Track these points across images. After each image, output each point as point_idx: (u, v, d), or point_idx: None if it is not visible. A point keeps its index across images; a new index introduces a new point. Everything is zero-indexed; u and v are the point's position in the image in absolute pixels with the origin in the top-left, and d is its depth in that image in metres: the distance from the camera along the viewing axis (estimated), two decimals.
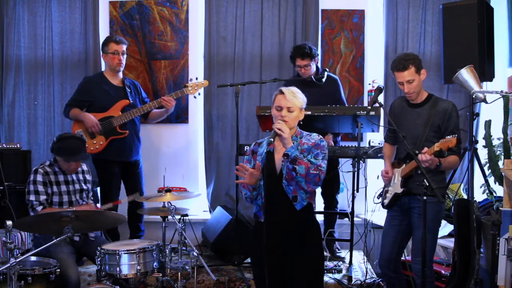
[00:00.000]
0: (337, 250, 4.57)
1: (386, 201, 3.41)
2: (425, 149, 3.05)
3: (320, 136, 2.84)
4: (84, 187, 3.78)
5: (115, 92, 4.45)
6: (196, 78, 4.53)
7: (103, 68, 4.96)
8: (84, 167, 3.84)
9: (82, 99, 4.44)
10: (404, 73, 3.22)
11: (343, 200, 4.77)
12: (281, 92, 2.80)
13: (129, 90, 4.51)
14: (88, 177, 3.85)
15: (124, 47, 4.49)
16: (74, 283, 3.24)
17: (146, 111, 4.46)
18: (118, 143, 4.41)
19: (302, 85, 4.27)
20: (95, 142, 4.36)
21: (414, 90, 3.26)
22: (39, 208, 3.50)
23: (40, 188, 3.53)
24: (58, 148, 3.59)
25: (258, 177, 2.77)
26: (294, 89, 2.85)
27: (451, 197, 4.33)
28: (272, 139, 2.72)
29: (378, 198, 3.52)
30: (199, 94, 4.52)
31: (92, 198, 3.94)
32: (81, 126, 4.36)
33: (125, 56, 4.50)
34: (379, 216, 4.23)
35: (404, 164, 3.29)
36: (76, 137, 3.73)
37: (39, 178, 3.55)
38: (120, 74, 4.55)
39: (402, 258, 3.52)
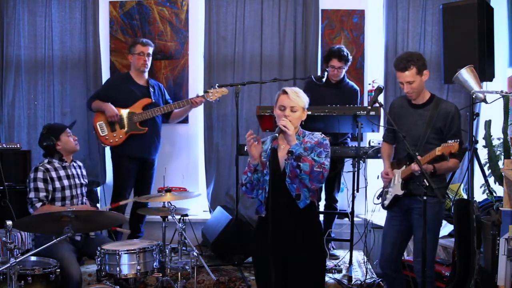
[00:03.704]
0: (332, 248, 4.58)
1: (386, 202, 3.40)
2: (419, 157, 3.04)
3: (323, 135, 2.85)
4: (83, 181, 3.81)
5: (139, 91, 4.57)
6: (217, 86, 4.55)
7: (103, 69, 5.06)
8: (79, 163, 3.88)
9: (106, 94, 4.56)
10: (404, 73, 3.20)
11: (343, 200, 4.77)
12: (285, 92, 2.81)
13: (153, 90, 4.62)
14: (84, 172, 3.89)
15: (150, 49, 4.61)
16: (76, 281, 3.24)
17: (167, 111, 4.57)
18: (137, 139, 4.51)
19: (324, 85, 4.33)
20: (115, 135, 4.47)
21: (414, 91, 3.25)
22: (38, 205, 3.51)
23: (40, 185, 3.54)
24: (55, 128, 3.73)
25: (261, 151, 2.80)
26: (297, 89, 2.87)
27: (451, 197, 4.33)
28: (277, 134, 2.74)
29: (378, 198, 3.52)
30: (218, 100, 4.56)
31: (86, 195, 3.94)
32: (102, 119, 4.48)
33: (150, 57, 4.62)
34: (379, 216, 4.23)
35: (404, 166, 3.29)
36: None
37: (40, 175, 3.56)
38: (145, 75, 4.66)
39: (402, 258, 3.53)
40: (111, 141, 4.47)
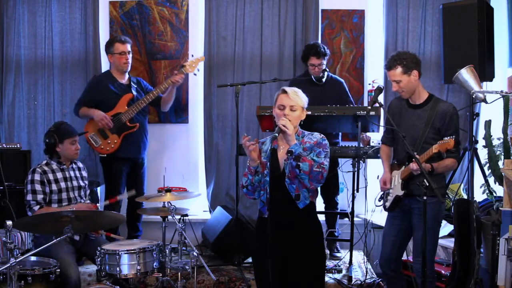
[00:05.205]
0: (335, 250, 4.58)
1: (387, 204, 3.41)
2: (416, 156, 3.05)
3: (322, 135, 2.86)
4: (82, 184, 3.79)
5: (121, 90, 4.49)
6: (192, 55, 4.52)
7: (103, 68, 4.99)
8: (80, 164, 3.87)
9: (91, 98, 4.49)
10: (390, 72, 3.26)
11: (343, 200, 4.78)
12: (284, 92, 2.82)
13: (135, 86, 4.55)
14: (85, 173, 3.86)
15: (129, 46, 4.53)
16: (74, 283, 3.24)
17: (150, 100, 4.45)
18: (127, 139, 4.44)
19: (308, 84, 4.33)
20: (109, 141, 4.40)
21: (403, 90, 3.26)
22: (36, 208, 3.50)
23: (38, 187, 3.53)
24: (64, 130, 3.65)
25: (259, 153, 2.80)
26: (296, 89, 2.87)
27: (451, 197, 4.33)
28: (276, 134, 2.74)
29: (379, 201, 3.52)
30: (198, 70, 4.50)
31: (89, 197, 3.94)
32: (94, 129, 4.41)
33: (131, 55, 4.55)
34: (379, 216, 4.23)
35: (404, 166, 3.29)
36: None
37: (37, 177, 3.55)
38: (127, 74, 4.59)
39: (403, 258, 3.53)
40: (108, 148, 4.40)
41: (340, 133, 4.69)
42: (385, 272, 3.45)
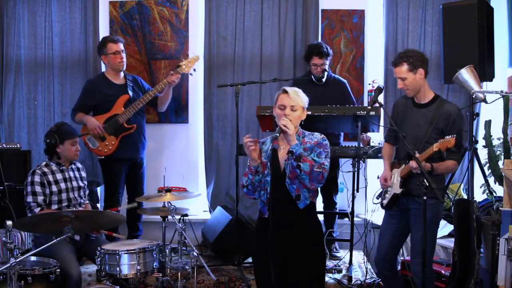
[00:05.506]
0: (334, 249, 4.58)
1: (385, 202, 3.41)
2: (417, 154, 3.05)
3: (323, 135, 2.86)
4: (81, 184, 3.78)
5: (118, 91, 4.47)
6: (188, 55, 4.50)
7: (103, 69, 4.93)
8: (79, 165, 3.86)
9: (86, 103, 4.49)
10: (395, 69, 3.26)
11: (343, 200, 4.78)
12: (285, 91, 2.82)
13: (131, 85, 4.53)
14: (84, 174, 3.86)
15: (122, 45, 4.51)
16: (75, 281, 3.24)
17: (147, 100, 4.44)
18: (125, 140, 4.43)
19: (309, 84, 4.34)
20: (107, 143, 4.39)
21: (408, 87, 3.26)
22: (37, 210, 3.50)
23: (38, 189, 3.52)
24: (65, 131, 3.65)
25: (259, 153, 2.80)
26: (297, 89, 2.87)
27: (451, 197, 4.33)
28: (277, 134, 2.74)
29: (377, 198, 3.52)
30: (194, 70, 4.52)
31: (89, 197, 3.94)
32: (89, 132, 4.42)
33: (125, 53, 4.52)
34: (379, 216, 4.22)
35: (404, 164, 3.29)
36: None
37: (37, 179, 3.54)
38: (122, 72, 4.57)
39: (401, 258, 3.52)
40: (106, 150, 4.39)
41: (342, 134, 4.69)
42: (381, 272, 3.45)
